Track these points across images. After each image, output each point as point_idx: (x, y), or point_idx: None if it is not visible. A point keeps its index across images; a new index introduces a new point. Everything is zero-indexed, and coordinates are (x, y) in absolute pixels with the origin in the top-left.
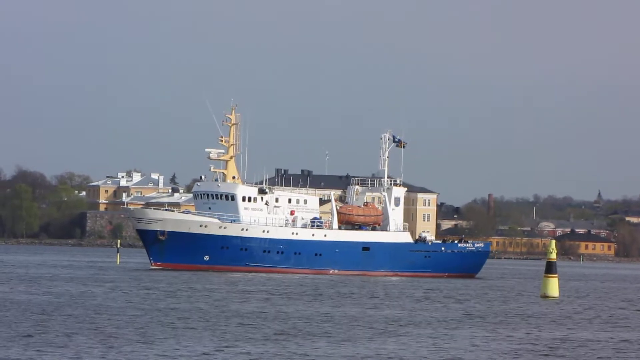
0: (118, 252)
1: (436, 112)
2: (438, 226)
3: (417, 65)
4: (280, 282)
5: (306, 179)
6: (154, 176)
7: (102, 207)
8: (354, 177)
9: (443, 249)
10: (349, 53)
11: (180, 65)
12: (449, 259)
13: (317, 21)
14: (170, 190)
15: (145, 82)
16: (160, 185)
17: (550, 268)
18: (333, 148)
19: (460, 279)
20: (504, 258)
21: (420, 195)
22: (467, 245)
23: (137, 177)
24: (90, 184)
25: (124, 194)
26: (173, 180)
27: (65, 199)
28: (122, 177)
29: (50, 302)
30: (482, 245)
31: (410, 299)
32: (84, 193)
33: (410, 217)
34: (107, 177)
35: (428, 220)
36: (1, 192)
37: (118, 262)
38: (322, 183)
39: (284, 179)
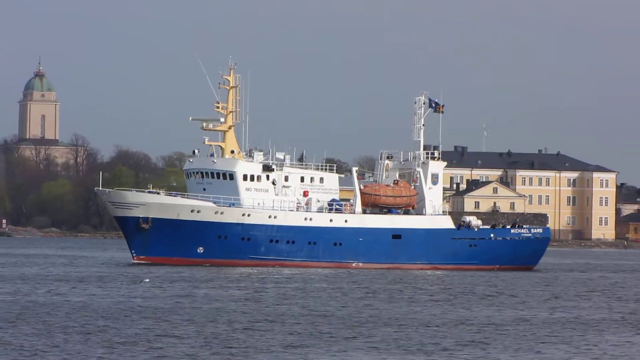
0: None
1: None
2: (618, 211)
3: None
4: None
5: (460, 157)
6: (280, 155)
7: None
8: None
9: (492, 235)
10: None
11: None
12: (500, 248)
13: None
14: None
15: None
16: None
17: None
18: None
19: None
20: None
21: (596, 175)
22: (522, 230)
23: (258, 157)
24: None
25: None
26: (301, 159)
27: (175, 184)
28: None
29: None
30: (540, 230)
31: (537, 299)
32: None
33: (584, 201)
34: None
35: (606, 204)
36: (98, 177)
37: None
38: (479, 162)
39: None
